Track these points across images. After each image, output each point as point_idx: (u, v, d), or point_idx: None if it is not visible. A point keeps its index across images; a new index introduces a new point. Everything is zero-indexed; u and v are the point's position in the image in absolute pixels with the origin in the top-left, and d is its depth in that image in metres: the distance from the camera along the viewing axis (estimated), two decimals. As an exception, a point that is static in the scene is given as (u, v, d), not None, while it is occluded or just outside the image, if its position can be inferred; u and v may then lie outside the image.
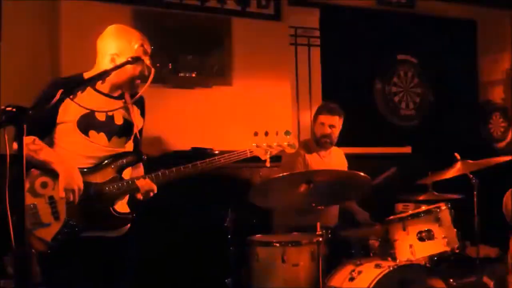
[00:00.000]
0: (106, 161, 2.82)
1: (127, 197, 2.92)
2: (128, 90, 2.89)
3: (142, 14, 4.59)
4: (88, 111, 2.72)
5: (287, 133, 2.97)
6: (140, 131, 3.03)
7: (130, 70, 2.77)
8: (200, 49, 4.83)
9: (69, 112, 2.74)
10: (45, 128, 2.74)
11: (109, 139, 2.83)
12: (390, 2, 5.90)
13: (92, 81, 2.72)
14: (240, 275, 3.89)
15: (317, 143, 4.42)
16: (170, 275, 4.40)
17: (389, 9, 5.88)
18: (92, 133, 2.78)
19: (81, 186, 2.68)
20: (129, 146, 2.95)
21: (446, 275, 3.62)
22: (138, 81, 2.85)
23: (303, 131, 5.47)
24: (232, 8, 4.94)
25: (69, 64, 4.19)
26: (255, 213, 4.26)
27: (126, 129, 2.91)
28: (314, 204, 3.50)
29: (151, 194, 2.85)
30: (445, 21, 6.08)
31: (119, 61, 2.74)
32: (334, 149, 4.54)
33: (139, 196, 2.85)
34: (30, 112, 1.99)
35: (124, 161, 2.86)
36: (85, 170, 2.75)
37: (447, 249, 3.62)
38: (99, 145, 2.80)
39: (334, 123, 4.36)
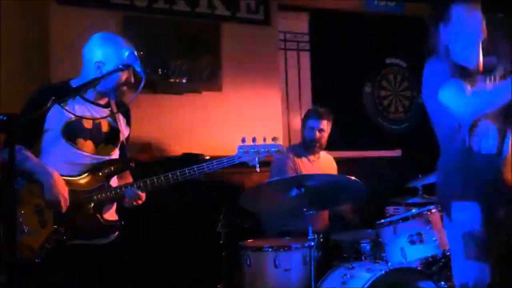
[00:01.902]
0: (93, 169, 2.82)
1: (115, 205, 2.92)
2: (114, 97, 2.90)
3: (132, 20, 4.60)
4: (75, 118, 2.73)
5: (274, 138, 3.00)
6: (127, 139, 3.04)
7: (117, 77, 2.78)
8: (190, 55, 4.83)
9: (55, 119, 2.74)
10: (32, 136, 2.74)
11: (96, 146, 2.84)
12: (379, 5, 5.93)
13: (83, 89, 2.72)
14: (232, 280, 3.89)
15: (307, 147, 4.44)
16: (162, 280, 4.40)
17: (378, 12, 5.89)
18: (79, 140, 2.79)
19: (66, 196, 2.67)
20: (115, 154, 2.95)
21: (438, 277, 3.62)
22: (125, 88, 2.85)
23: (293, 135, 5.48)
24: (222, 13, 4.95)
25: (58, 70, 4.20)
26: (247, 218, 4.26)
27: (112, 137, 2.92)
28: (304, 209, 3.51)
29: (140, 202, 2.86)
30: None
31: (105, 68, 2.75)
32: (323, 153, 4.57)
33: (127, 204, 2.86)
34: (21, 120, 1.99)
35: (112, 168, 2.87)
36: (72, 178, 2.75)
37: (438, 251, 3.64)
38: (86, 152, 2.80)
39: (323, 127, 4.39)
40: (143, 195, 2.85)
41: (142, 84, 2.56)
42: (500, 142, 2.70)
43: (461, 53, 2.79)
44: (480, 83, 2.73)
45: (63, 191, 2.66)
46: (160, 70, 4.67)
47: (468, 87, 2.58)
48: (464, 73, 2.71)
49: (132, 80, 2.84)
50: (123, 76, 2.80)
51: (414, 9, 5.92)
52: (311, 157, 4.46)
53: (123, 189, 2.82)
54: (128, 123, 3.03)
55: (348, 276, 3.59)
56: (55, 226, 2.68)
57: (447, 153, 2.77)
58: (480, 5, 2.83)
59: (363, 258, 3.86)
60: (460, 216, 2.65)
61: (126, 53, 2.71)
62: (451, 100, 2.61)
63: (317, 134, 4.38)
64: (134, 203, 2.85)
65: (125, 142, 3.02)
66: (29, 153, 2.71)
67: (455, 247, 2.69)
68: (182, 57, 4.80)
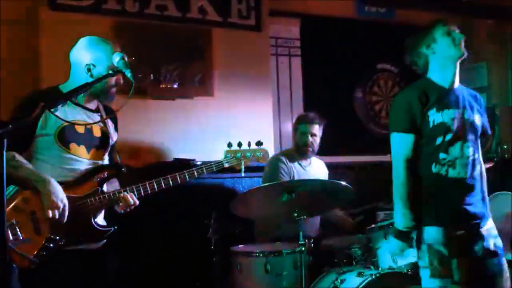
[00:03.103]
0: (87, 174, 2.83)
1: (104, 210, 2.93)
2: (104, 99, 2.91)
3: (123, 26, 4.60)
4: (68, 123, 2.73)
5: (258, 143, 3.05)
6: (114, 145, 3.04)
7: (105, 83, 2.79)
8: (181, 60, 4.83)
9: (49, 125, 2.75)
10: (23, 142, 2.74)
11: (89, 151, 2.85)
12: (370, 12, 5.96)
13: (75, 94, 2.72)
14: (223, 286, 3.89)
15: (299, 152, 4.46)
16: (153, 285, 4.38)
17: (369, 19, 5.92)
18: (72, 145, 2.80)
19: (65, 201, 2.68)
20: (106, 159, 2.97)
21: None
22: (114, 90, 2.87)
23: (284, 140, 5.49)
24: (213, 19, 4.95)
25: (49, 75, 4.18)
26: (238, 224, 4.27)
27: (104, 142, 2.93)
28: (296, 214, 3.52)
29: (132, 207, 2.86)
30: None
31: (96, 71, 2.77)
32: (314, 159, 4.59)
33: (120, 209, 2.87)
34: (11, 126, 1.99)
35: (106, 174, 2.87)
36: (66, 183, 2.75)
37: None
38: (79, 157, 2.81)
39: (315, 132, 4.42)
40: (136, 201, 2.86)
41: (132, 90, 2.57)
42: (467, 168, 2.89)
43: (438, 73, 2.96)
44: (450, 104, 2.90)
45: (63, 197, 2.67)
46: (151, 75, 4.67)
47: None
48: (437, 92, 2.91)
49: (122, 81, 2.86)
50: (112, 78, 2.81)
51: (405, 15, 5.96)
52: (304, 162, 4.48)
53: (117, 194, 2.83)
54: (116, 128, 3.05)
55: (339, 281, 3.61)
56: (50, 234, 2.68)
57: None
58: (458, 27, 2.98)
59: (354, 263, 3.87)
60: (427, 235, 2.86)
61: (117, 58, 2.71)
62: (393, 151, 2.95)
63: (309, 138, 4.40)
64: (127, 209, 2.85)
65: (113, 147, 3.03)
66: (23, 160, 2.70)
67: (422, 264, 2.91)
68: (174, 62, 4.80)
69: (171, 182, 2.90)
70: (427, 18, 5.82)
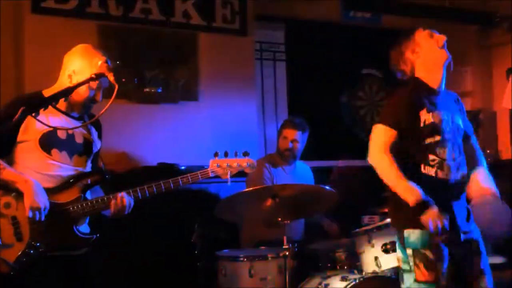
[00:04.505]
0: (70, 181, 2.81)
1: (87, 218, 2.90)
2: (83, 111, 2.90)
3: (107, 30, 4.59)
4: (50, 129, 2.72)
5: (245, 153, 3.05)
6: (98, 152, 3.03)
7: (84, 93, 2.79)
8: (166, 64, 4.83)
9: (31, 130, 2.74)
10: (5, 146, 2.73)
11: (71, 157, 2.84)
12: (356, 17, 5.98)
13: (55, 99, 2.69)
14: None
15: (281, 156, 4.48)
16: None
17: (355, 24, 5.95)
18: (54, 151, 2.78)
19: (47, 204, 2.67)
20: (89, 166, 2.95)
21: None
22: (92, 105, 2.88)
23: (269, 144, 5.50)
24: (197, 23, 4.95)
25: (33, 79, 4.16)
26: (223, 228, 4.27)
27: (86, 148, 2.92)
28: (280, 219, 3.52)
29: (127, 209, 2.85)
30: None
31: (75, 78, 2.76)
32: (300, 163, 4.61)
33: (113, 212, 2.84)
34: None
35: (89, 180, 2.86)
36: (49, 190, 2.73)
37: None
38: (61, 163, 2.80)
39: (297, 138, 4.43)
40: (131, 203, 2.85)
41: (114, 94, 2.54)
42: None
43: (426, 76, 2.98)
44: (440, 105, 2.93)
45: (44, 199, 2.66)
46: (136, 79, 4.66)
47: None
48: (428, 93, 2.94)
49: (100, 99, 2.86)
50: (91, 91, 2.80)
51: (390, 20, 6.00)
52: (287, 167, 4.50)
53: (100, 201, 2.82)
54: (100, 136, 3.03)
55: (323, 285, 3.63)
56: (31, 240, 2.66)
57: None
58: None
59: (338, 267, 3.90)
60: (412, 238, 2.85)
61: (99, 62, 2.69)
62: (372, 140, 2.92)
63: (290, 144, 4.42)
64: (120, 213, 2.83)
65: (97, 155, 3.02)
66: (4, 163, 2.69)
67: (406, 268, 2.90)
68: (158, 66, 4.80)
69: (155, 190, 2.89)
70: (412, 24, 5.90)
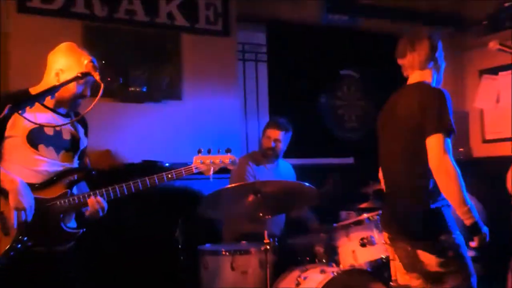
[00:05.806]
0: (57, 177, 2.84)
1: (74, 213, 2.93)
2: (70, 107, 2.94)
3: (92, 30, 4.62)
4: (37, 125, 2.75)
5: (228, 150, 3.10)
6: (84, 149, 3.07)
7: (73, 88, 2.83)
8: (150, 64, 4.86)
9: (18, 126, 2.76)
10: None
11: (58, 153, 2.87)
12: (335, 19, 6.05)
13: (42, 96, 2.68)
14: (190, 284, 3.95)
15: (263, 155, 4.57)
16: (121, 285, 4.41)
17: (334, 25, 6.01)
18: (41, 147, 2.81)
19: (32, 204, 2.69)
20: (75, 162, 2.99)
21: (387, 279, 3.77)
22: (80, 101, 2.92)
23: (251, 143, 5.57)
24: (181, 24, 4.99)
25: (18, 78, 4.18)
26: (205, 224, 4.33)
27: (73, 144, 2.95)
28: (261, 214, 3.61)
29: (101, 212, 2.87)
30: (386, 38, 6.27)
31: (63, 77, 2.79)
32: (282, 161, 4.70)
33: (88, 213, 2.89)
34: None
35: (75, 176, 2.90)
36: (36, 185, 2.76)
37: (386, 254, 3.78)
38: (48, 159, 2.83)
39: (280, 138, 4.51)
40: (105, 205, 2.87)
41: (100, 93, 2.59)
42: None
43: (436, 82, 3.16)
44: None
45: (29, 199, 2.68)
46: (120, 79, 4.69)
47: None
48: None
49: (88, 93, 2.89)
50: (79, 88, 2.84)
51: (366, 23, 6.08)
52: (269, 165, 4.59)
53: (86, 198, 2.86)
54: (86, 133, 3.06)
55: (302, 277, 3.71)
56: (18, 235, 2.68)
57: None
58: None
59: (317, 261, 3.98)
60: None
61: (85, 62, 2.72)
62: (435, 152, 2.83)
63: (273, 143, 4.50)
64: (96, 213, 2.86)
65: (84, 152, 3.07)
66: None
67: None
68: (142, 66, 4.83)
69: (140, 186, 2.92)
70: (390, 26, 6.01)
